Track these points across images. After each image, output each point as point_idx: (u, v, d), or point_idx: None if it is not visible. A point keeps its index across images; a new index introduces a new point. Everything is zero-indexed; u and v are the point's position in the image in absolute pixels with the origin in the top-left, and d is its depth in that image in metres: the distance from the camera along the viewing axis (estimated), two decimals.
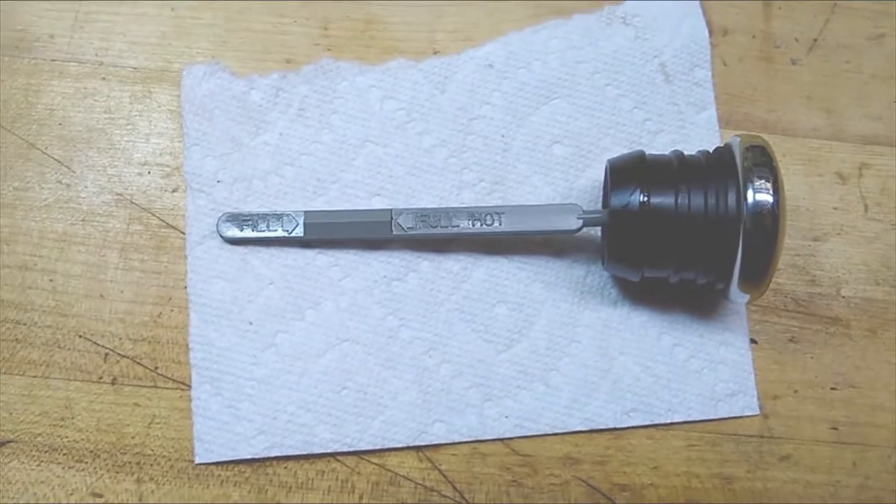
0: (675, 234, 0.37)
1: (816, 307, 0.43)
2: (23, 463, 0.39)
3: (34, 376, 0.40)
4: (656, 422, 0.41)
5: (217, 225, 0.41)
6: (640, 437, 0.41)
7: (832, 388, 0.42)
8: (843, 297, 0.43)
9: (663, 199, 0.37)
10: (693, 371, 0.41)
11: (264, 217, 0.41)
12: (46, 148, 0.43)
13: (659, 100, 0.44)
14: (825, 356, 0.42)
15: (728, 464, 0.41)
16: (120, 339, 0.41)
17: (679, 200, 0.37)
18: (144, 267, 0.42)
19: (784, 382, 0.42)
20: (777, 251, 0.36)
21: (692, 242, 0.37)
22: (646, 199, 0.37)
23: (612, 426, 0.41)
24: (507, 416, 0.41)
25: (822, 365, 0.42)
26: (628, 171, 0.38)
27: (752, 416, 0.41)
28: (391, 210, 0.41)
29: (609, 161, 0.40)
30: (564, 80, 0.44)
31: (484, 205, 0.42)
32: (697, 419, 0.41)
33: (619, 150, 0.43)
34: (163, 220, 0.42)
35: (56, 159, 0.43)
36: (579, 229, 0.39)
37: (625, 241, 0.38)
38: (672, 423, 0.41)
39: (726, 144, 0.38)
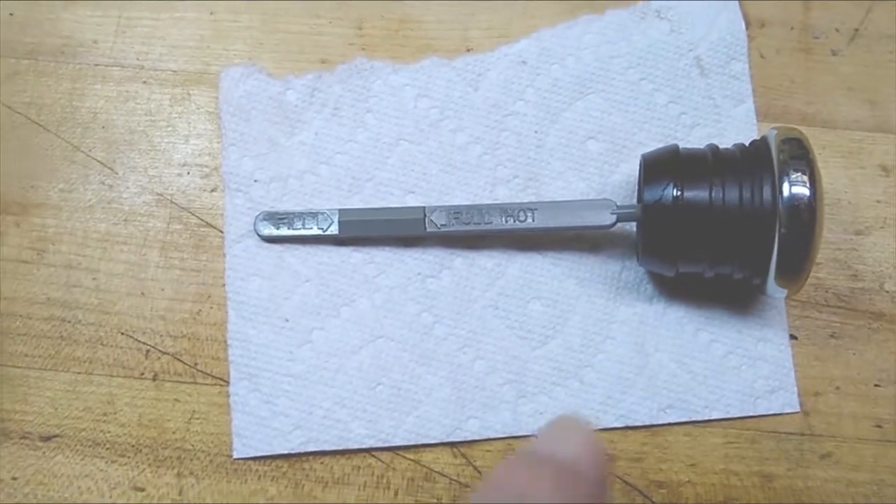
0: (709, 229, 0.36)
1: (859, 302, 0.42)
2: (67, 457, 0.40)
3: (78, 373, 0.41)
4: (694, 419, 0.40)
5: (254, 223, 0.42)
6: (676, 434, 0.40)
7: (876, 385, 0.41)
8: (887, 291, 0.42)
9: (697, 193, 0.36)
10: (731, 367, 0.41)
11: (300, 215, 0.42)
12: (90, 150, 0.44)
13: (695, 94, 0.44)
14: (868, 352, 0.41)
15: (768, 462, 0.40)
16: (161, 336, 0.42)
17: (713, 194, 0.36)
18: (184, 265, 0.42)
19: (825, 379, 0.41)
20: (814, 245, 0.35)
21: (727, 237, 0.36)
22: (679, 193, 0.37)
23: (647, 423, 0.40)
24: (541, 413, 0.40)
25: (865, 361, 0.41)
26: (661, 166, 0.38)
27: (792, 413, 0.40)
28: (425, 207, 0.41)
29: (643, 155, 0.40)
30: (598, 75, 0.44)
31: (518, 201, 0.42)
32: (736, 416, 0.40)
33: (655, 145, 0.42)
34: (202, 220, 0.43)
35: (99, 161, 0.44)
36: (613, 224, 0.39)
37: (658, 235, 0.38)
38: (710, 420, 0.40)
39: (762, 137, 0.38)
